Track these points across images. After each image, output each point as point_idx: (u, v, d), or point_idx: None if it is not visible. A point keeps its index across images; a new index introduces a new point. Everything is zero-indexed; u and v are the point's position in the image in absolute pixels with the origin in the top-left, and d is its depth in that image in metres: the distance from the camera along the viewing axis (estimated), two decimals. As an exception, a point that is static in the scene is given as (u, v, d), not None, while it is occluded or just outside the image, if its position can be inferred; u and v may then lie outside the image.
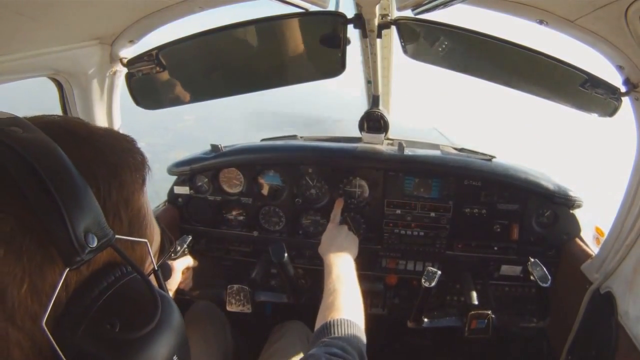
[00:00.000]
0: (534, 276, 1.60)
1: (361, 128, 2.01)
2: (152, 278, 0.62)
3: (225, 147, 2.02)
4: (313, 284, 2.08)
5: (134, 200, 0.55)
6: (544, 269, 1.61)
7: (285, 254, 1.67)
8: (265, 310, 2.29)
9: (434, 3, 1.16)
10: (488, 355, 2.29)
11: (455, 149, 2.07)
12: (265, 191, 2.02)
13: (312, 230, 2.05)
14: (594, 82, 1.37)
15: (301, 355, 1.64)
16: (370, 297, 1.96)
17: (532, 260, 1.66)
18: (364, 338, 1.12)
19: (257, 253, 2.06)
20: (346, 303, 1.23)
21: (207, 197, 2.04)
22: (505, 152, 2.17)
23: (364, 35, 1.48)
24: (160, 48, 1.47)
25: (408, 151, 1.91)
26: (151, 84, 1.61)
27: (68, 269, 0.45)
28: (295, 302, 1.87)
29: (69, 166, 0.47)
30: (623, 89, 1.31)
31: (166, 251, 0.68)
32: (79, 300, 0.47)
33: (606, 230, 1.58)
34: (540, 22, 1.17)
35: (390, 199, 1.92)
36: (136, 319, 0.49)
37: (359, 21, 1.39)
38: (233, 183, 2.03)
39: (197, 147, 2.11)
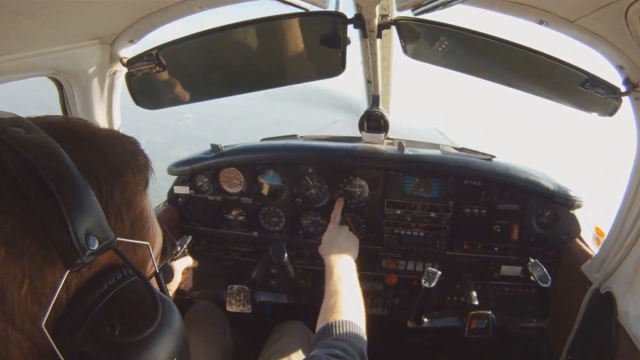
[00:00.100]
0: (534, 276, 1.60)
1: (361, 128, 2.01)
2: (153, 280, 0.62)
3: (225, 146, 2.02)
4: (313, 284, 2.08)
5: (137, 202, 0.55)
6: (544, 269, 1.61)
7: (285, 254, 1.67)
8: (265, 311, 2.29)
9: (434, 3, 1.16)
10: (488, 355, 2.29)
11: (455, 148, 2.07)
12: (265, 191, 2.02)
13: (312, 230, 2.05)
14: (594, 81, 1.37)
15: (301, 355, 1.64)
16: (370, 297, 1.95)
17: (532, 260, 1.66)
18: (365, 339, 1.13)
19: (257, 253, 2.06)
20: (347, 304, 1.23)
21: (207, 197, 2.04)
22: (505, 152, 2.17)
23: (364, 35, 1.48)
24: (160, 48, 1.47)
25: (408, 151, 1.91)
26: (151, 84, 1.61)
27: (68, 271, 0.45)
28: (295, 302, 1.87)
29: (71, 167, 0.47)
30: (623, 89, 1.31)
31: (168, 253, 0.68)
32: (79, 302, 0.47)
33: (606, 230, 1.58)
34: (540, 22, 1.17)
35: (390, 199, 1.92)
36: (136, 322, 0.49)
37: (359, 21, 1.39)
38: (233, 183, 2.03)
39: (197, 146, 2.11)
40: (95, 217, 0.47)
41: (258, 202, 2.02)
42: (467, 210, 1.89)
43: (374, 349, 1.12)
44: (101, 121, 1.56)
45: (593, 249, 1.74)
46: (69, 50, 1.29)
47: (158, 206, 2.10)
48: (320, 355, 0.95)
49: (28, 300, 0.45)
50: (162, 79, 1.58)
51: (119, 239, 0.50)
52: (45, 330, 0.44)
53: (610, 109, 1.42)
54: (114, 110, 1.60)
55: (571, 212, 1.85)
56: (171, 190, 2.07)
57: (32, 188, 0.44)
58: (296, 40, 1.53)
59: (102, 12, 1.23)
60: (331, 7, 1.38)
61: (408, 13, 1.34)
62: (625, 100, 1.36)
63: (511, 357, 2.26)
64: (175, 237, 1.78)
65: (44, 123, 0.52)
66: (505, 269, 1.94)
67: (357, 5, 1.30)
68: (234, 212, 2.08)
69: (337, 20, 1.38)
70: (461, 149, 2.06)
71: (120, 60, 1.47)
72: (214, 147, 2.01)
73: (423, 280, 1.60)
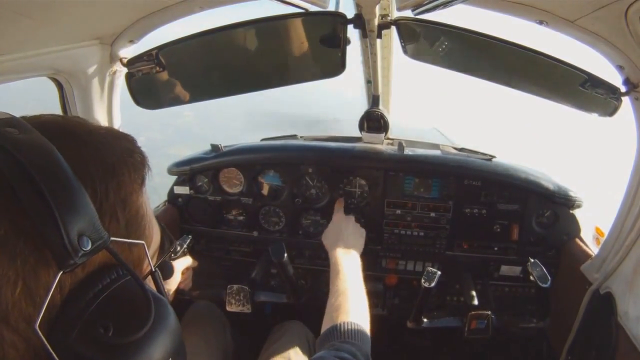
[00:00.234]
0: (533, 276, 1.60)
1: (361, 128, 2.01)
2: (150, 279, 0.61)
3: (225, 147, 2.02)
4: (313, 284, 2.08)
5: (132, 200, 0.55)
6: (544, 269, 1.61)
7: (285, 254, 1.67)
8: (265, 311, 2.29)
9: (434, 3, 1.16)
10: (488, 355, 2.29)
11: (455, 148, 2.07)
12: (265, 191, 2.02)
13: (312, 230, 2.05)
14: (594, 82, 1.37)
15: (301, 355, 1.64)
16: (370, 297, 1.93)
17: (532, 260, 1.66)
18: (369, 341, 1.13)
19: (257, 253, 2.06)
20: (353, 305, 1.24)
21: (207, 197, 2.04)
22: (505, 152, 2.17)
23: (364, 35, 1.48)
24: (160, 48, 1.47)
25: (408, 151, 1.91)
26: (151, 84, 1.61)
27: (61, 272, 0.45)
28: (295, 302, 1.87)
29: (64, 168, 0.47)
30: (623, 89, 1.31)
31: (166, 251, 0.68)
32: (73, 303, 0.47)
33: (606, 230, 1.58)
34: (540, 22, 1.17)
35: (390, 199, 1.92)
36: (130, 323, 0.49)
37: (359, 21, 1.39)
38: (233, 183, 2.03)
39: (196, 144, 2.11)
40: (88, 218, 0.47)
41: (258, 202, 2.02)
42: (467, 210, 1.89)
43: (374, 349, 1.13)
44: (101, 121, 1.56)
45: (593, 249, 1.74)
46: (69, 50, 1.29)
47: (158, 206, 2.10)
48: (328, 357, 0.95)
49: (22, 301, 0.45)
50: (162, 79, 1.58)
51: (113, 238, 0.50)
52: (39, 331, 0.44)
53: (610, 109, 1.42)
54: (114, 110, 1.60)
55: (571, 212, 1.85)
56: (171, 190, 2.07)
57: (24, 190, 0.44)
58: (296, 40, 1.53)
59: (102, 12, 1.23)
60: (331, 7, 1.38)
61: (408, 13, 1.34)
62: (625, 101, 1.36)
63: (511, 357, 2.26)
64: (176, 237, 1.78)
65: (39, 123, 0.52)
66: (505, 269, 1.94)
67: (357, 5, 1.30)
68: (234, 212, 2.08)
69: (337, 20, 1.38)
70: (461, 149, 2.06)
71: (120, 60, 1.47)
72: (214, 147, 2.01)
73: (423, 280, 1.60)
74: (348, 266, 1.43)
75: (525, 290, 1.95)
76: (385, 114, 2.00)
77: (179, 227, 2.08)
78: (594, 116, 1.51)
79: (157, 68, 1.49)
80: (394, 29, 1.49)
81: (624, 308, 1.39)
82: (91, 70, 1.43)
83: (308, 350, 1.71)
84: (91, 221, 0.47)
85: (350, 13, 1.38)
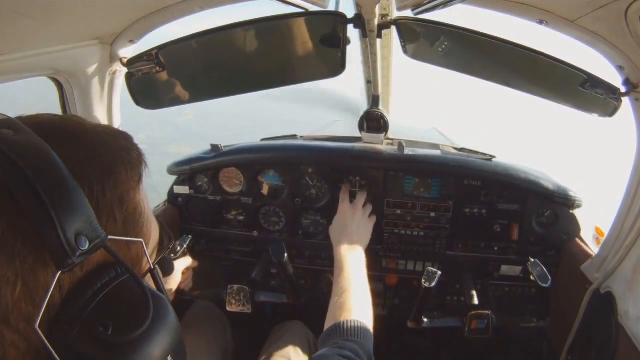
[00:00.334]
0: (534, 276, 1.61)
1: (361, 128, 2.01)
2: (150, 277, 0.61)
3: (225, 146, 2.02)
4: (313, 284, 2.09)
5: (129, 198, 0.55)
6: (544, 269, 1.61)
7: (285, 254, 1.67)
8: (265, 311, 2.29)
9: (434, 3, 1.16)
10: (488, 355, 2.29)
11: (455, 148, 2.07)
12: (265, 191, 2.02)
13: (312, 230, 2.05)
14: (594, 82, 1.36)
15: (301, 355, 1.64)
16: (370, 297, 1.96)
17: (532, 260, 1.66)
18: (372, 340, 1.13)
19: (257, 253, 2.06)
20: (356, 303, 1.24)
21: (207, 197, 2.04)
22: (505, 152, 2.17)
23: (364, 35, 1.48)
24: (160, 48, 1.47)
25: (408, 151, 1.91)
26: (151, 84, 1.60)
27: (60, 271, 0.46)
28: (295, 302, 1.87)
29: (60, 168, 0.47)
30: (623, 89, 1.31)
31: (165, 248, 0.68)
32: (72, 302, 0.48)
33: (606, 230, 1.58)
34: (540, 22, 1.17)
35: (390, 199, 1.92)
36: (129, 321, 0.49)
37: (359, 21, 1.39)
38: (233, 183, 2.03)
39: (196, 142, 2.12)
40: (85, 217, 0.47)
41: (258, 202, 2.02)
42: (467, 210, 1.89)
43: (374, 349, 1.13)
44: (101, 121, 1.56)
45: (593, 248, 1.74)
46: (69, 50, 1.29)
47: (158, 206, 2.10)
48: (331, 355, 0.96)
49: (22, 301, 0.45)
50: (162, 79, 1.58)
51: (111, 237, 0.50)
52: (39, 331, 0.45)
53: (610, 110, 1.42)
54: (114, 110, 1.60)
55: (571, 212, 1.85)
56: (171, 190, 2.07)
57: (21, 191, 0.44)
58: (296, 40, 1.53)
59: (102, 12, 1.23)
60: (331, 7, 1.38)
61: (408, 13, 1.34)
62: (625, 101, 1.36)
63: (511, 357, 2.26)
64: (175, 237, 1.78)
65: (34, 123, 0.52)
66: (505, 269, 1.94)
67: (357, 5, 1.30)
68: (234, 212, 2.08)
69: (337, 20, 1.38)
70: (461, 149, 2.06)
71: (120, 60, 1.47)
72: (214, 147, 2.01)
73: (423, 280, 1.60)
74: (352, 263, 1.44)
75: (526, 290, 1.96)
76: (385, 114, 2.00)
77: (179, 227, 2.08)
78: (594, 116, 1.51)
79: (157, 68, 1.49)
80: (394, 29, 1.49)
81: (625, 308, 1.39)
82: (91, 70, 1.43)
83: (308, 350, 1.71)
84: (88, 220, 0.47)
85: (350, 13, 1.38)
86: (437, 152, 1.96)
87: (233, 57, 1.63)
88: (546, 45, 1.41)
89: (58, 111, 1.51)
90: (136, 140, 0.61)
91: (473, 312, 1.70)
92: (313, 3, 1.29)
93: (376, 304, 1.97)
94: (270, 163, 1.98)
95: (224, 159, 1.98)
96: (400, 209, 1.93)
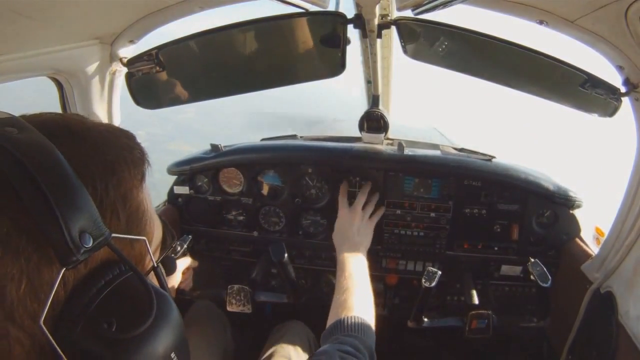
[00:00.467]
0: (534, 276, 1.61)
1: (361, 128, 2.01)
2: (153, 274, 0.62)
3: (225, 146, 2.02)
4: (313, 284, 2.09)
5: (132, 197, 0.56)
6: (544, 269, 1.61)
7: (285, 254, 1.67)
8: (265, 310, 2.29)
9: (434, 3, 1.16)
10: (488, 355, 2.29)
11: (455, 149, 2.07)
12: (265, 191, 2.02)
13: (312, 230, 2.05)
14: (594, 82, 1.37)
15: (301, 354, 1.64)
16: None
17: (532, 260, 1.66)
18: (374, 337, 1.14)
19: (257, 253, 2.06)
20: (358, 301, 1.26)
21: (207, 197, 2.04)
22: (505, 152, 2.17)
23: (364, 35, 1.48)
24: (160, 48, 1.47)
25: (408, 151, 1.91)
26: (151, 84, 1.61)
27: (64, 268, 0.46)
28: (295, 302, 1.87)
29: (64, 166, 0.47)
30: (623, 89, 1.31)
31: (168, 246, 0.69)
32: (77, 299, 0.48)
33: (606, 230, 1.58)
34: (540, 22, 1.17)
35: (390, 199, 1.92)
36: (132, 318, 0.50)
37: (359, 21, 1.39)
38: (233, 183, 2.03)
39: (196, 140, 2.12)
40: (89, 215, 0.47)
41: (258, 202, 2.02)
42: (467, 210, 1.89)
43: (375, 349, 1.13)
44: (101, 120, 1.56)
45: (593, 248, 1.74)
46: (69, 50, 1.29)
47: (158, 206, 2.10)
48: (332, 351, 0.97)
49: (27, 298, 0.45)
50: (162, 79, 1.58)
51: (114, 234, 0.50)
52: (44, 327, 0.45)
53: (610, 110, 1.42)
54: (114, 110, 1.60)
55: (571, 212, 1.85)
56: (171, 190, 2.07)
57: (25, 189, 0.44)
58: (296, 40, 1.53)
59: (102, 12, 1.23)
60: (331, 7, 1.38)
61: (408, 13, 1.33)
62: (625, 101, 1.36)
63: (511, 357, 2.26)
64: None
65: (39, 122, 0.52)
66: (506, 269, 1.94)
67: (357, 5, 1.30)
68: (233, 212, 2.08)
69: (337, 20, 1.38)
70: (461, 149, 2.06)
71: (120, 60, 1.47)
72: (214, 147, 2.01)
73: (423, 280, 1.60)
74: (354, 264, 1.46)
75: (526, 289, 1.96)
76: (385, 114, 2.00)
77: (179, 227, 2.08)
78: (594, 116, 1.51)
79: (157, 68, 1.49)
80: (394, 29, 1.49)
81: (625, 307, 1.39)
82: (91, 70, 1.43)
83: (309, 350, 1.71)
84: (92, 218, 0.48)
85: (350, 13, 1.38)
86: (437, 153, 1.96)
87: (233, 57, 1.63)
88: (546, 45, 1.41)
89: (57, 111, 1.51)
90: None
91: (473, 312, 1.71)
92: (313, 3, 1.30)
93: (376, 304, 1.96)
94: (270, 163, 1.98)
95: (223, 159, 1.98)
96: (400, 209, 1.93)
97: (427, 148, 2.10)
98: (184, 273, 1.55)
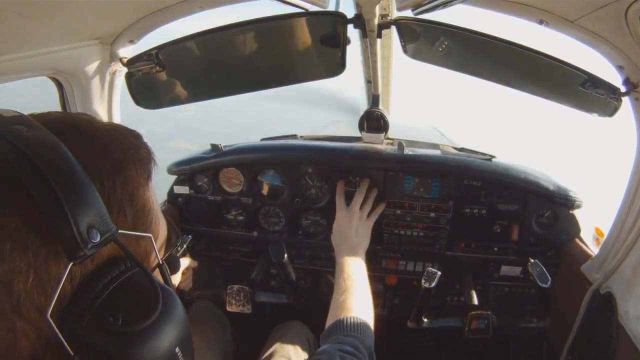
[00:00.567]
0: (534, 276, 1.61)
1: (361, 128, 2.01)
2: (158, 272, 0.62)
3: (225, 146, 2.02)
4: (313, 284, 2.09)
5: (139, 195, 0.56)
6: (544, 269, 1.61)
7: (285, 254, 1.67)
8: (265, 311, 2.29)
9: (434, 3, 1.16)
10: (488, 355, 2.29)
11: (455, 148, 2.07)
12: (265, 191, 2.02)
13: (312, 230, 2.05)
14: (594, 82, 1.36)
15: (301, 354, 1.65)
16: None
17: (532, 260, 1.66)
18: (373, 337, 1.15)
19: (257, 253, 2.06)
20: (357, 302, 1.27)
21: (207, 197, 2.04)
22: (505, 152, 2.17)
23: (364, 35, 1.47)
24: (160, 48, 1.47)
25: (408, 151, 1.91)
26: (151, 84, 1.61)
27: (72, 263, 0.47)
28: (295, 302, 1.87)
29: (73, 164, 0.48)
30: (623, 89, 1.31)
31: (172, 244, 0.69)
32: (83, 293, 0.49)
33: (606, 230, 1.58)
34: (540, 22, 1.17)
35: (390, 199, 1.92)
36: (138, 312, 0.50)
37: (359, 21, 1.39)
38: (233, 183, 2.03)
39: (196, 138, 2.12)
40: (96, 211, 0.48)
41: (258, 202, 2.02)
42: (467, 210, 1.89)
43: (374, 349, 1.13)
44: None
45: (593, 249, 1.74)
46: (69, 50, 1.29)
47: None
48: (332, 351, 0.97)
49: (34, 292, 0.46)
50: (162, 79, 1.58)
51: (120, 231, 0.51)
52: (51, 320, 0.46)
53: (610, 110, 1.42)
54: (114, 109, 1.60)
55: (571, 212, 1.85)
56: (171, 190, 2.07)
57: (34, 185, 0.45)
58: (296, 40, 1.53)
59: (102, 12, 1.23)
60: (331, 7, 1.38)
61: (408, 13, 1.33)
62: (625, 101, 1.35)
63: (511, 357, 2.26)
64: (176, 237, 1.78)
65: (47, 120, 0.53)
66: (505, 269, 1.94)
67: (357, 5, 1.30)
68: (233, 212, 2.08)
69: (337, 20, 1.38)
70: (461, 149, 2.06)
71: (120, 60, 1.47)
72: (214, 147, 2.01)
73: (423, 281, 1.60)
74: (352, 265, 1.47)
75: (526, 290, 1.96)
76: (385, 113, 2.00)
77: (178, 227, 2.08)
78: (594, 116, 1.51)
79: (157, 68, 1.49)
80: (394, 28, 1.49)
81: (625, 308, 1.39)
82: (91, 70, 1.43)
83: (308, 350, 1.71)
84: (99, 214, 0.49)
85: (350, 13, 1.38)
86: (437, 152, 1.96)
87: (233, 57, 1.63)
88: (546, 45, 1.41)
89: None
90: None
91: (473, 312, 1.71)
92: (313, 3, 1.30)
93: (376, 304, 1.96)
94: (270, 163, 1.98)
95: (223, 159, 1.98)
96: (400, 209, 1.93)
97: (427, 148, 2.10)
98: (183, 273, 1.56)
